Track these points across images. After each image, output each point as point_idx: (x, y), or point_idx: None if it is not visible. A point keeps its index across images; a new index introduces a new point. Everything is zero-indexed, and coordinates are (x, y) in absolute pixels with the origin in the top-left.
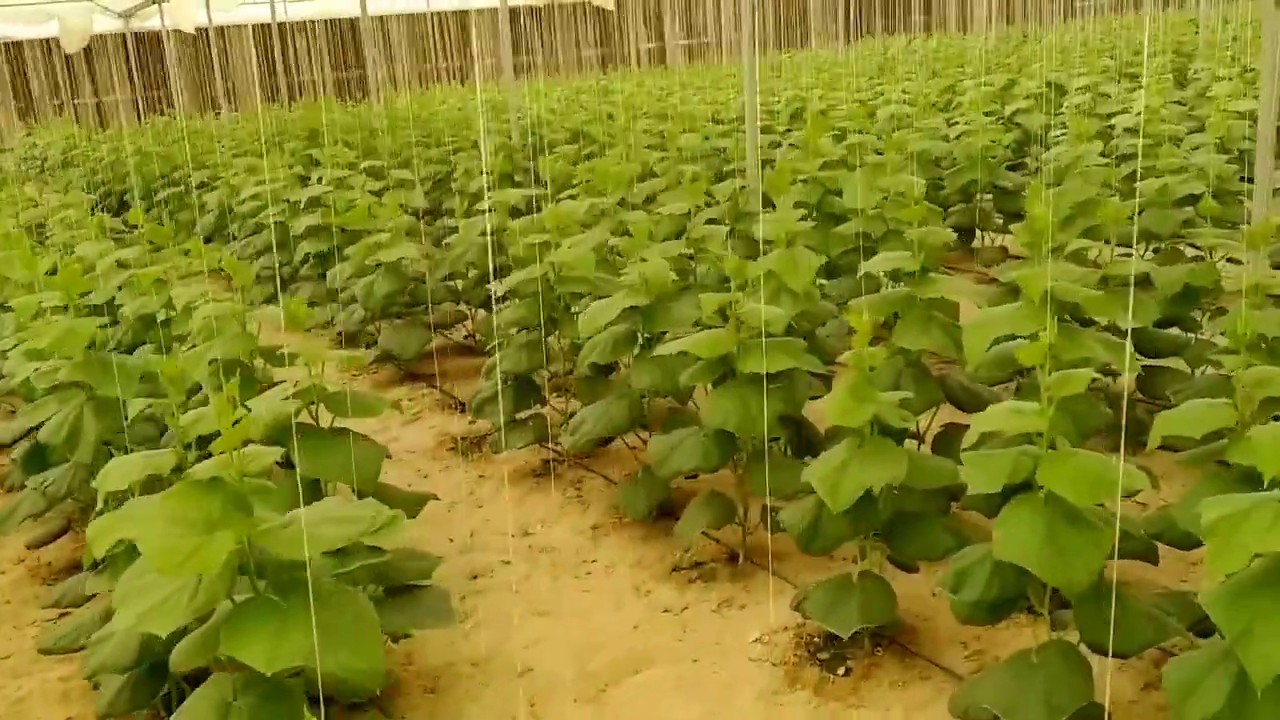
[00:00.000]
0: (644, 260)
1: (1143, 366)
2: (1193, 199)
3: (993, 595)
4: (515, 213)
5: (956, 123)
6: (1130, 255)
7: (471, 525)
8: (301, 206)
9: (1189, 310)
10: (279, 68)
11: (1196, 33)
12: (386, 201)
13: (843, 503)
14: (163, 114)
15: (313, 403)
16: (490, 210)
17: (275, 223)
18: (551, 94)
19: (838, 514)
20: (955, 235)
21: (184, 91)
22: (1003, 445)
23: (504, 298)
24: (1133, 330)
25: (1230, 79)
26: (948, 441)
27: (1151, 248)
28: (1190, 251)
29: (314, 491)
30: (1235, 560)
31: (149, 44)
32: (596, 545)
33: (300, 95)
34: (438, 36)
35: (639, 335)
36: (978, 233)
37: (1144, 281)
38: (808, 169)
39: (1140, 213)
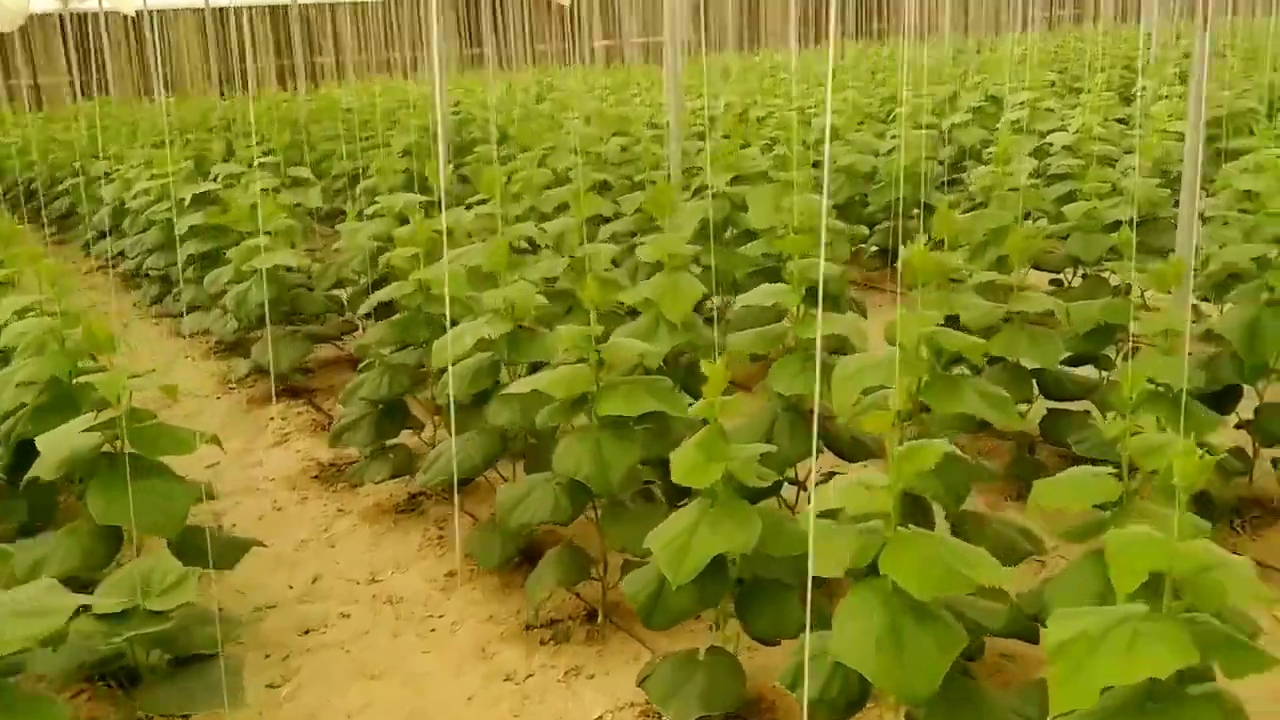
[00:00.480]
0: (514, 281)
1: (1048, 409)
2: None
3: (834, 694)
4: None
5: (892, 136)
6: (1060, 282)
7: (318, 569)
8: (186, 204)
9: (1104, 346)
10: (214, 54)
11: (1149, 48)
12: (268, 201)
13: (684, 575)
14: (91, 99)
15: (117, 437)
16: (381, 215)
17: (166, 220)
18: (496, 89)
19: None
20: (871, 253)
21: (138, 73)
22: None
23: (374, 314)
24: (1039, 370)
25: (1172, 97)
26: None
27: (1080, 274)
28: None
29: (114, 541)
30: (1083, 694)
31: (88, 25)
32: (448, 596)
33: (245, 83)
34: (382, 25)
35: (503, 365)
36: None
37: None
38: (717, 183)
39: (1066, 238)
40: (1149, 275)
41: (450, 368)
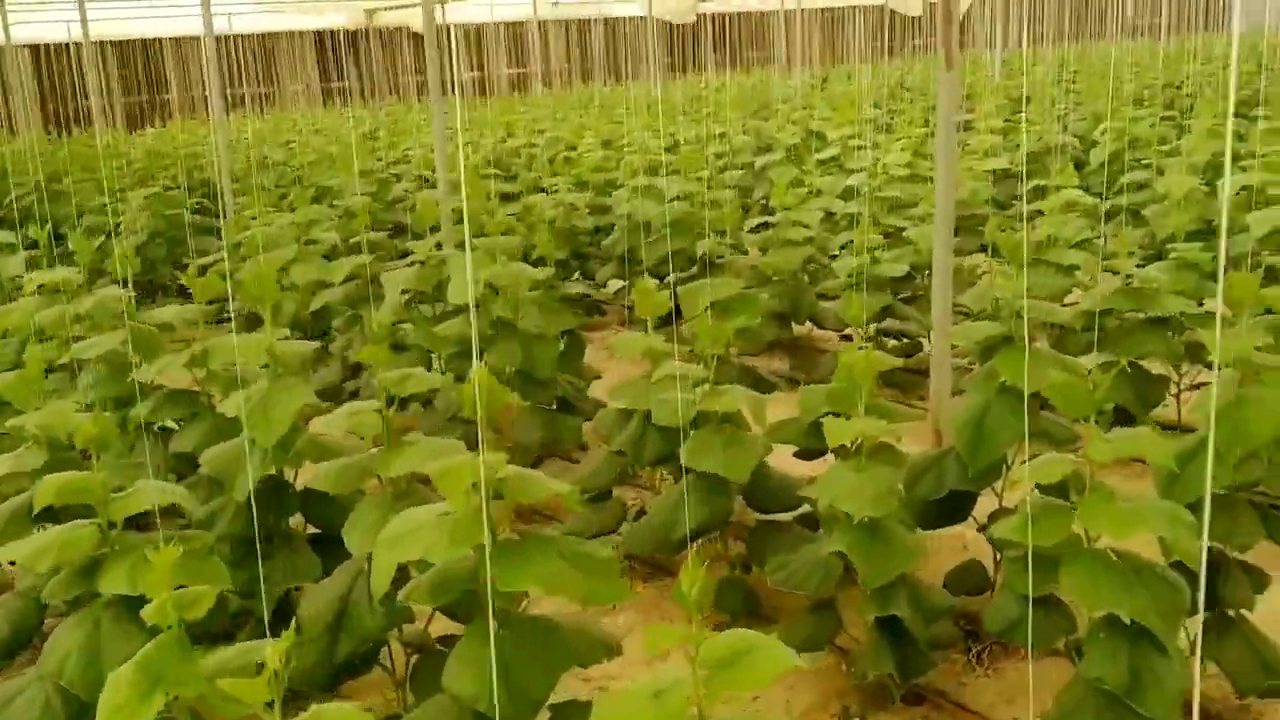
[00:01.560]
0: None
1: (758, 521)
2: (909, 278)
3: None
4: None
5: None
6: (850, 338)
7: None
8: None
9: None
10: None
11: (990, 76)
12: None
13: None
14: None
15: None
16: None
17: None
18: (318, 129)
19: None
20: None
21: None
22: None
23: None
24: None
25: (994, 130)
26: None
27: (866, 336)
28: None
29: None
30: None
31: None
32: None
33: (84, 123)
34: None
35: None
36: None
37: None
38: (421, 249)
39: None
40: (861, 356)
41: None
